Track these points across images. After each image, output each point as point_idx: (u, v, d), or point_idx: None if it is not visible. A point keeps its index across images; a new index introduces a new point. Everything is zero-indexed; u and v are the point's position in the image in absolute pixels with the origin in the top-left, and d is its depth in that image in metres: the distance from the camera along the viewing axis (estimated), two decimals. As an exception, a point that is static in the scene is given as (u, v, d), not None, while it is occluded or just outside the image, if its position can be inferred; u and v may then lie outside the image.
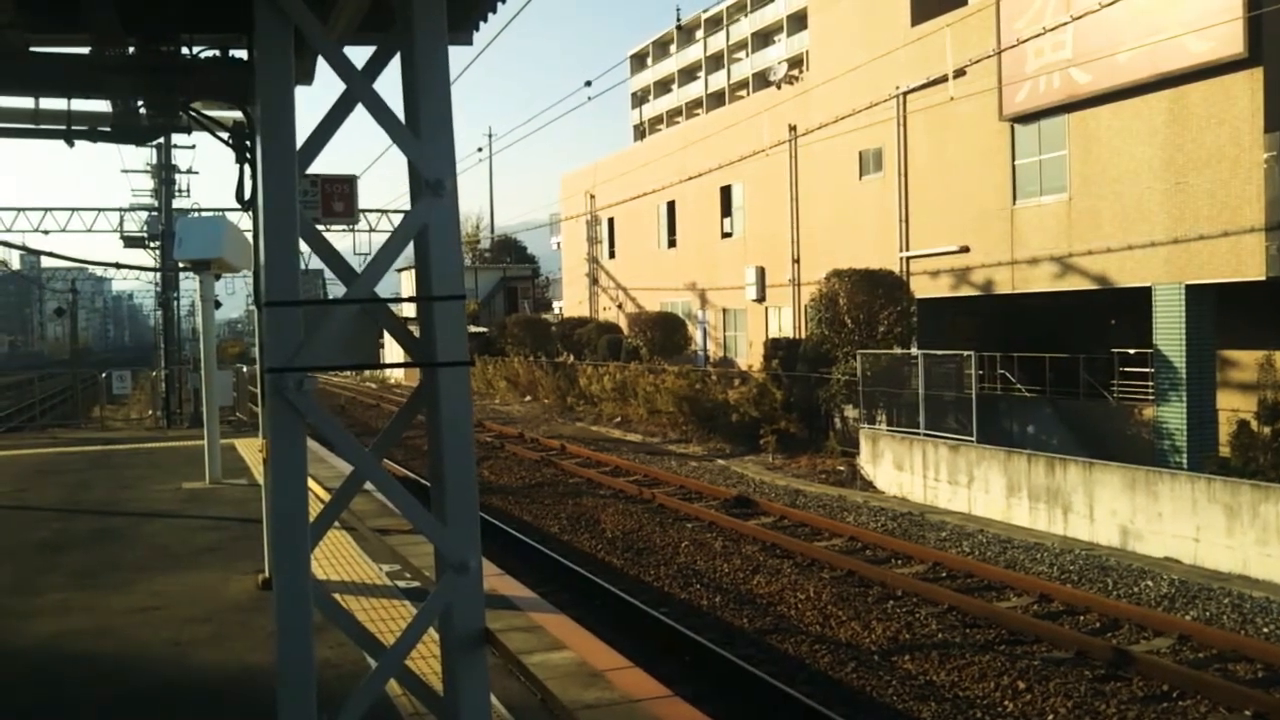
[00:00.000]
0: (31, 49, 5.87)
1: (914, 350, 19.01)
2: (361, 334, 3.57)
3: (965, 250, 20.76)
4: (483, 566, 3.61)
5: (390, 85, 3.69)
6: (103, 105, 6.96)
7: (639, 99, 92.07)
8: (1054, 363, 19.19)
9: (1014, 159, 19.63)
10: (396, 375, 48.27)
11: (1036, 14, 18.25)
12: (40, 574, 8.59)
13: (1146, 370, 17.42)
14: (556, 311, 45.87)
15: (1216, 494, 11.86)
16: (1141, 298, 17.08)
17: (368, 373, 50.44)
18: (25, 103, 6.88)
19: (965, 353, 17.12)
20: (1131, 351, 18.09)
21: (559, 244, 45.97)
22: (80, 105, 6.92)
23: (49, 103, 6.79)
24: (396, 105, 3.57)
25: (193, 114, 6.45)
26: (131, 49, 5.61)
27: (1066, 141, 18.40)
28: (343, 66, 3.49)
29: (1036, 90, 18.58)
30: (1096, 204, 17.87)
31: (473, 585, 3.52)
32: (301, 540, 3.37)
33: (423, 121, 3.54)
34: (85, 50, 5.84)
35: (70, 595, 7.82)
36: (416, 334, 3.74)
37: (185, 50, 5.87)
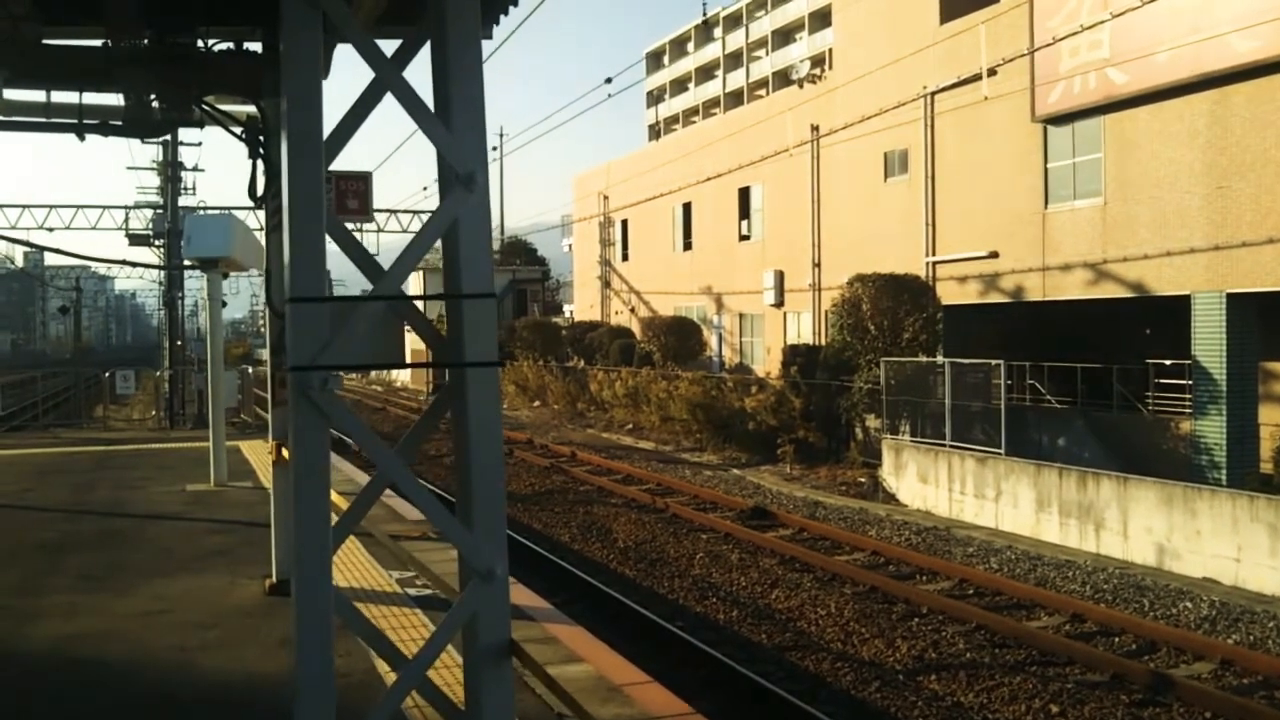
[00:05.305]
0: (44, 41, 5.75)
1: (940, 358, 18.64)
2: (388, 333, 3.48)
3: (994, 255, 20.33)
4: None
5: (414, 79, 3.59)
6: (114, 99, 6.87)
7: (655, 98, 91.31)
8: (1086, 373, 18.74)
9: (1046, 161, 19.17)
10: (403, 378, 48.29)
11: (1072, 12, 17.80)
12: (45, 576, 8.51)
13: (1184, 382, 16.96)
14: (567, 315, 45.62)
15: (1259, 512, 11.50)
16: (1179, 306, 16.58)
17: (374, 374, 50.44)
18: (37, 95, 6.82)
19: (994, 362, 16.74)
20: (1168, 362, 17.67)
21: (570, 246, 45.76)
22: (92, 99, 6.87)
23: (60, 95, 6.71)
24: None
25: (206, 108, 6.32)
26: (145, 42, 5.49)
27: (1102, 144, 17.93)
28: (372, 55, 3.40)
29: (1071, 91, 18.13)
30: (1133, 209, 17.42)
31: (499, 594, 3.43)
32: (323, 546, 3.24)
33: (454, 114, 3.44)
34: (99, 43, 5.73)
35: (75, 598, 7.74)
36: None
37: (200, 43, 5.77)
